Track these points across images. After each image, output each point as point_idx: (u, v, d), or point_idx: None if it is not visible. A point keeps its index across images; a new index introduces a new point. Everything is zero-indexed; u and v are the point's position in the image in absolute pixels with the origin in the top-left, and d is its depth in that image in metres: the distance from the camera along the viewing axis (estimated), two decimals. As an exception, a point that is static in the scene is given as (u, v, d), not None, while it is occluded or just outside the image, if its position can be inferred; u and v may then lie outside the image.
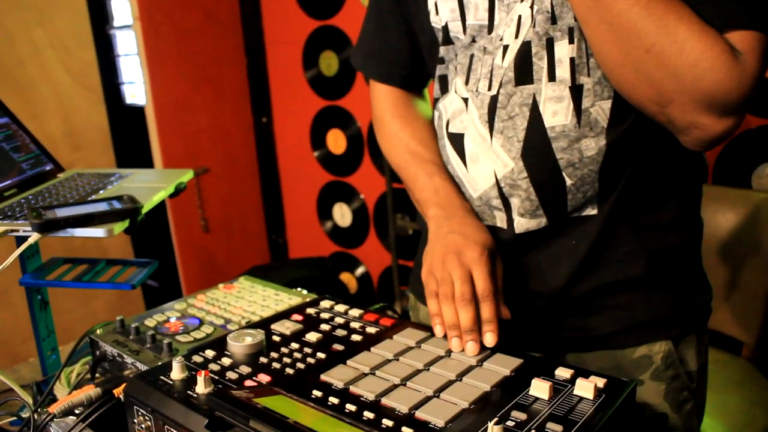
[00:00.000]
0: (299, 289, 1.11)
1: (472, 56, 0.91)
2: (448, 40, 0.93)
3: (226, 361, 0.79)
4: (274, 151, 3.28)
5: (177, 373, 0.75)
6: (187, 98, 2.96)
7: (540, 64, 0.84)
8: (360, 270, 3.12)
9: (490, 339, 0.79)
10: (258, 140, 3.29)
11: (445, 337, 0.82)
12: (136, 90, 3.01)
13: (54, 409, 0.81)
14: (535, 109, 0.85)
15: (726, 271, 1.71)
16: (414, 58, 1.04)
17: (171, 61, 2.87)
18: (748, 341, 1.72)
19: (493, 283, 0.83)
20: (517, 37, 0.85)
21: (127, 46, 2.95)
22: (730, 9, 0.74)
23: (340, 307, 0.94)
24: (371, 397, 0.69)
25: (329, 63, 2.91)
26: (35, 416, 0.86)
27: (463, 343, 0.79)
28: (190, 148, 3.00)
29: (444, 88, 0.97)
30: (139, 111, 2.92)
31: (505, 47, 0.87)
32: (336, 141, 3.01)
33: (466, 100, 0.92)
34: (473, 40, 0.90)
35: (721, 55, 0.72)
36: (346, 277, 3.15)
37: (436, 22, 0.94)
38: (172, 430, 0.70)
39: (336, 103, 2.95)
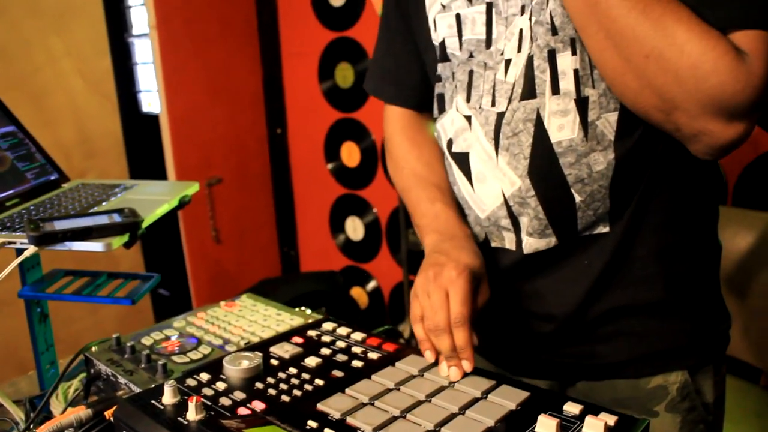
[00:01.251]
0: (303, 308, 1.08)
1: (471, 72, 0.88)
2: (444, 57, 0.91)
3: (220, 386, 0.76)
4: (288, 163, 3.26)
5: (168, 398, 0.72)
6: (202, 108, 2.95)
7: (543, 77, 0.82)
8: (371, 285, 3.09)
9: (466, 366, 0.77)
10: (272, 151, 3.28)
11: (437, 361, 0.80)
12: (152, 98, 3.01)
13: (43, 431, 0.78)
14: (539, 124, 0.83)
15: (745, 296, 1.66)
16: (425, 79, 1.01)
17: (187, 71, 2.87)
18: (767, 369, 1.67)
19: (469, 307, 0.79)
20: (519, 50, 0.83)
21: (145, 55, 2.95)
22: (734, 8, 0.71)
23: (343, 330, 0.91)
24: (369, 429, 0.66)
25: (345, 75, 2.89)
26: (26, 435, 0.84)
27: (448, 368, 0.78)
28: (204, 157, 2.99)
29: (441, 107, 0.95)
30: (154, 119, 2.92)
31: (507, 61, 0.84)
32: (350, 154, 2.99)
33: (468, 117, 0.89)
34: (471, 56, 0.88)
35: (723, 56, 0.69)
36: (357, 291, 3.12)
37: (435, 38, 0.92)
38: (160, 458, 0.67)
39: (351, 116, 2.93)
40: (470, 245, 0.88)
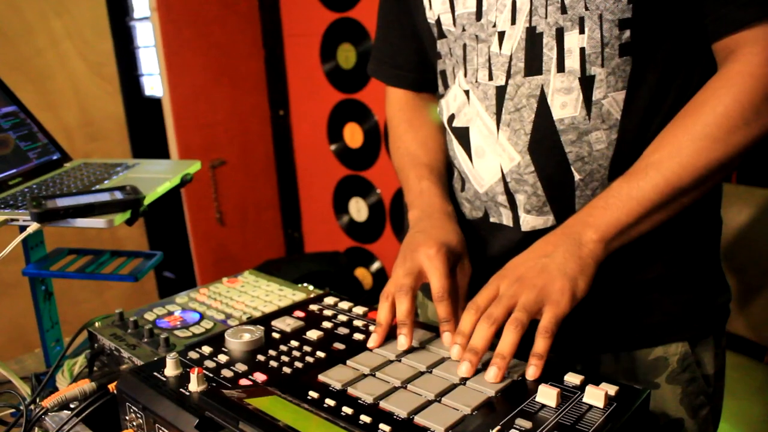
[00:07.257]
0: (305, 284, 1.08)
1: (464, 46, 0.88)
2: (442, 34, 0.92)
3: (222, 358, 0.76)
4: (291, 144, 3.26)
5: (171, 370, 0.73)
6: (205, 90, 2.95)
7: (550, 55, 0.82)
8: (375, 265, 3.09)
9: (446, 338, 0.78)
10: (275, 133, 3.27)
11: (438, 333, 0.81)
12: (155, 82, 3.00)
13: (47, 403, 0.79)
14: (543, 100, 0.82)
15: (750, 273, 1.66)
16: (422, 60, 1.02)
17: (188, 53, 2.86)
18: (770, 346, 1.67)
19: (450, 282, 0.80)
20: (514, 23, 0.82)
21: (147, 38, 2.94)
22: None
23: (344, 304, 0.92)
24: (369, 399, 0.66)
25: (347, 56, 2.88)
26: (32, 407, 0.85)
27: (397, 335, 0.78)
28: (207, 140, 2.99)
29: (445, 84, 0.95)
30: (157, 102, 2.91)
31: (501, 34, 0.83)
32: (353, 135, 2.98)
33: (467, 92, 0.89)
34: (463, 29, 0.88)
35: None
36: (361, 272, 3.12)
37: (431, 17, 0.92)
38: (162, 428, 0.68)
39: (353, 97, 2.92)
40: (449, 224, 0.89)
